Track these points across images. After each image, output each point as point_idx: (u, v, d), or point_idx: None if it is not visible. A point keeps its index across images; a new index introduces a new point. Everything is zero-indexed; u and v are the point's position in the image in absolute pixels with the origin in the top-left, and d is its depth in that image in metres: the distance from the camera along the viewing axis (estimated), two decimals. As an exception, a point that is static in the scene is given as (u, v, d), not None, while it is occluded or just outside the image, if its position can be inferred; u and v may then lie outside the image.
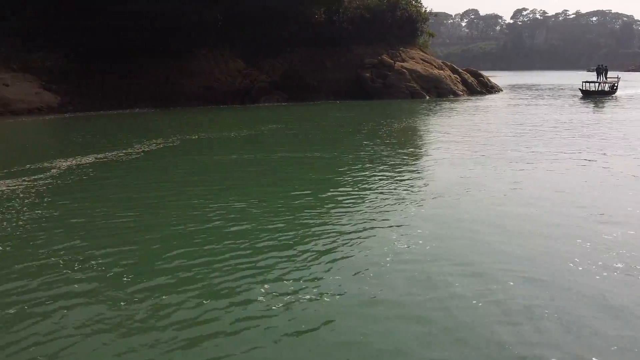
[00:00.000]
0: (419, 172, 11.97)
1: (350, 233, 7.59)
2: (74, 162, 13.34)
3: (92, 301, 5.48)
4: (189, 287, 5.79)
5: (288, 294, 5.59)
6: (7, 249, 7.07)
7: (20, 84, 32.72)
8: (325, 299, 5.48)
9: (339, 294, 5.58)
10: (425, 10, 46.36)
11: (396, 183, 10.75)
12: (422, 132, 20.64)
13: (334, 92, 40.07)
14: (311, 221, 8.21)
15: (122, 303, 5.41)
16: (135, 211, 8.86)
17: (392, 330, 4.84)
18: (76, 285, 5.87)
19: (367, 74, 40.19)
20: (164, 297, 5.56)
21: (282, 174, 12.33)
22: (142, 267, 6.39)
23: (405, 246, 7.01)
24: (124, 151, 15.13)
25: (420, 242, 7.15)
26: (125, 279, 6.01)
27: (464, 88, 41.98)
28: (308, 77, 40.30)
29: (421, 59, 42.63)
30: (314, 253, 6.84)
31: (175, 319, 5.10)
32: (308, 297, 5.52)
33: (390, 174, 11.70)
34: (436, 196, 9.58)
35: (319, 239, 7.36)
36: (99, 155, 14.34)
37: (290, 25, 40.52)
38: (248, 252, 6.88)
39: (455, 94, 39.89)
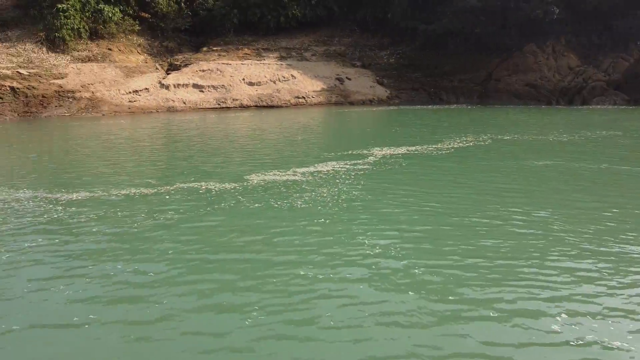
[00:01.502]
0: None
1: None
2: (388, 151, 14.63)
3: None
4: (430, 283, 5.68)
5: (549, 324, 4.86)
6: (326, 221, 8.30)
7: (359, 78, 37.86)
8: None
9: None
10: None
11: None
12: None
13: (697, 95, 32.19)
14: (610, 249, 6.87)
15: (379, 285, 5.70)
16: (423, 205, 9.13)
17: None
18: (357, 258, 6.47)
19: None
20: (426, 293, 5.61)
21: (597, 189, 10.62)
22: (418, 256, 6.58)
23: None
24: (433, 146, 15.73)
25: None
26: (394, 263, 6.29)
27: None
28: (661, 75, 33.42)
29: None
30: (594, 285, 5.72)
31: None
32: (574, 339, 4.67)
33: None
34: None
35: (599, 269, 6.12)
36: (411, 148, 15.31)
37: (646, 14, 34.32)
38: (535, 267, 6.25)
39: None
